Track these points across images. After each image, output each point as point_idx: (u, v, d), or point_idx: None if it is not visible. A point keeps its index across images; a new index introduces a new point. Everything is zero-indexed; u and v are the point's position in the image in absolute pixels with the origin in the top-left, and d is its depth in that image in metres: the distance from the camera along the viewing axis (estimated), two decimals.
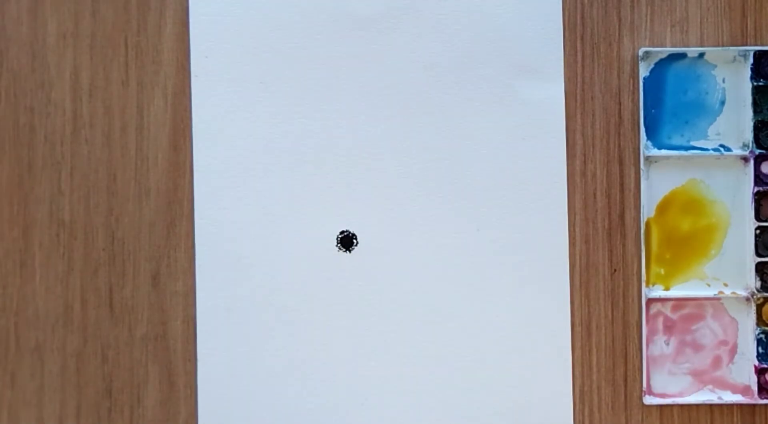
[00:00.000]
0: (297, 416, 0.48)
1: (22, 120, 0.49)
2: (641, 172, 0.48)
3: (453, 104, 0.48)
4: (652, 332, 0.49)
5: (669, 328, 0.49)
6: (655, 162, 0.49)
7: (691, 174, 0.49)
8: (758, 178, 0.48)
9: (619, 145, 0.49)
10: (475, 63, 0.49)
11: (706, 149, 0.49)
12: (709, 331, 0.49)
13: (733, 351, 0.49)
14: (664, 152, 0.49)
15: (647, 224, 0.49)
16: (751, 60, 0.48)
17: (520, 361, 0.48)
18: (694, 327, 0.49)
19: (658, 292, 0.49)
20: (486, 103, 0.48)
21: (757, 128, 0.48)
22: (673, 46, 0.49)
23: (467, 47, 0.49)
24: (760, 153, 0.48)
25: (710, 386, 0.49)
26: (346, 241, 0.48)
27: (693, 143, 0.49)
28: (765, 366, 0.48)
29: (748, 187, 0.48)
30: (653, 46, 0.49)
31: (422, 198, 0.48)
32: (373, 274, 0.48)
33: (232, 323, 0.48)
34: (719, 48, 0.48)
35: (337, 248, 0.48)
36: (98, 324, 0.49)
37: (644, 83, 0.49)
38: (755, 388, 0.48)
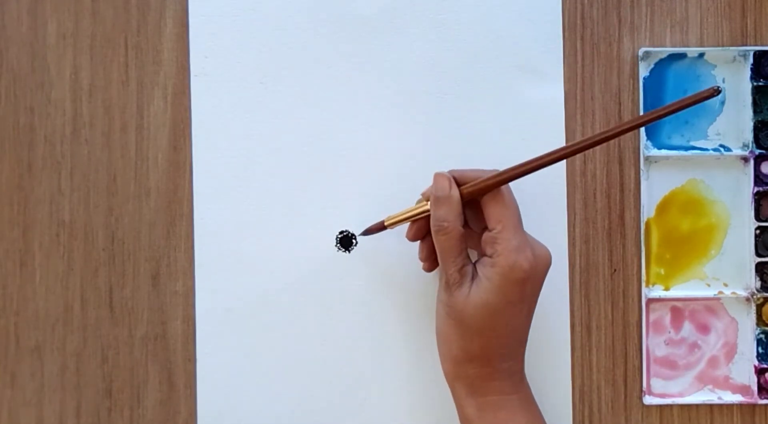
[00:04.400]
0: (296, 415, 0.48)
1: (22, 120, 0.49)
2: (641, 172, 0.48)
3: (453, 104, 0.48)
4: (651, 332, 0.49)
5: (669, 328, 0.49)
6: (655, 162, 0.49)
7: (691, 174, 0.49)
8: (758, 178, 0.48)
9: (619, 145, 0.49)
10: (475, 63, 0.49)
11: (706, 149, 0.49)
12: (708, 331, 0.49)
13: (733, 351, 0.49)
14: (664, 152, 0.49)
15: (647, 224, 0.49)
16: (751, 60, 0.48)
17: None
18: (693, 327, 0.49)
19: (658, 292, 0.49)
20: (486, 103, 0.48)
21: (757, 128, 0.48)
22: (673, 46, 0.49)
23: (467, 47, 0.49)
24: (760, 153, 0.48)
25: (710, 386, 0.49)
26: (346, 241, 0.48)
27: (693, 143, 0.49)
28: (765, 366, 0.48)
29: (748, 187, 0.48)
30: (653, 46, 0.49)
31: None
32: (373, 274, 0.48)
33: (232, 323, 0.48)
34: (719, 48, 0.48)
35: (336, 248, 0.48)
36: (98, 324, 0.49)
37: (644, 83, 0.49)
38: (755, 388, 0.48)
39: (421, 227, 0.45)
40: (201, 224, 0.49)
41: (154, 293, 0.49)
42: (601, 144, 0.41)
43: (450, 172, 0.43)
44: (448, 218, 0.42)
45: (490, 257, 0.41)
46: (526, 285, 0.41)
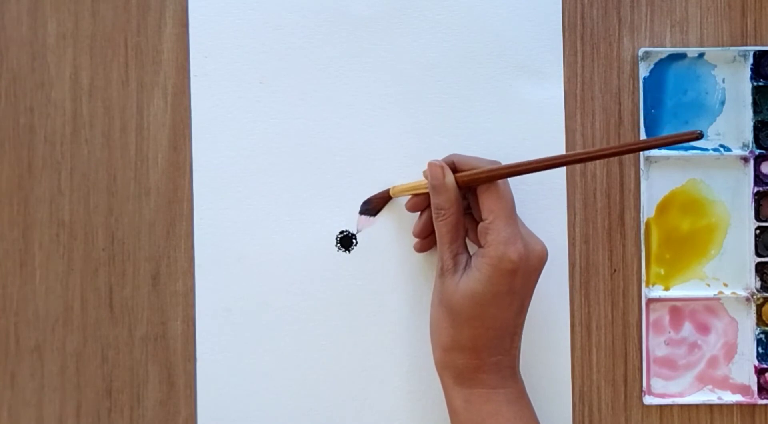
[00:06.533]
0: (296, 415, 0.48)
1: (22, 120, 0.49)
2: (641, 172, 0.48)
3: (453, 104, 0.48)
4: (652, 332, 0.49)
5: (669, 328, 0.49)
6: (655, 162, 0.49)
7: (691, 174, 0.49)
8: (758, 178, 0.48)
9: None
10: (475, 63, 0.49)
11: (706, 149, 0.49)
12: (708, 331, 0.49)
13: (733, 351, 0.49)
14: (664, 152, 0.49)
15: (647, 224, 0.49)
16: (751, 60, 0.48)
17: (520, 361, 0.48)
18: (693, 327, 0.49)
19: (658, 292, 0.49)
20: (486, 103, 0.48)
21: (757, 128, 0.48)
22: (673, 46, 0.49)
23: (467, 47, 0.49)
24: (759, 153, 0.48)
25: (710, 386, 0.49)
26: (346, 241, 0.48)
27: (693, 143, 0.49)
28: (765, 366, 0.48)
29: (748, 187, 0.48)
30: (653, 46, 0.49)
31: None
32: (373, 274, 0.48)
33: (232, 323, 0.48)
34: (719, 48, 0.48)
35: (336, 248, 0.48)
36: (98, 324, 0.49)
37: (644, 83, 0.49)
38: (755, 388, 0.48)
39: (419, 202, 0.46)
40: (201, 224, 0.49)
41: (154, 293, 0.49)
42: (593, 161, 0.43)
43: (452, 156, 0.45)
44: (444, 205, 0.43)
45: (483, 247, 0.42)
46: (516, 277, 0.41)
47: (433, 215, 0.43)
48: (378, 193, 0.48)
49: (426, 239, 0.47)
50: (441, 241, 0.43)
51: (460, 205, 0.43)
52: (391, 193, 0.47)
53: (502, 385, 0.42)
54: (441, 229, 0.43)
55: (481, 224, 0.42)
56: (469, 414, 0.42)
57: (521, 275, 0.41)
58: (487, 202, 0.42)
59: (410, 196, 0.46)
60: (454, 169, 0.43)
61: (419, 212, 0.47)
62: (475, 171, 0.42)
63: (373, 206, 0.48)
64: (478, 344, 0.42)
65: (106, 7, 0.49)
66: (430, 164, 0.44)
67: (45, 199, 0.49)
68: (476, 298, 0.41)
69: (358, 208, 0.48)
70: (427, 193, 0.44)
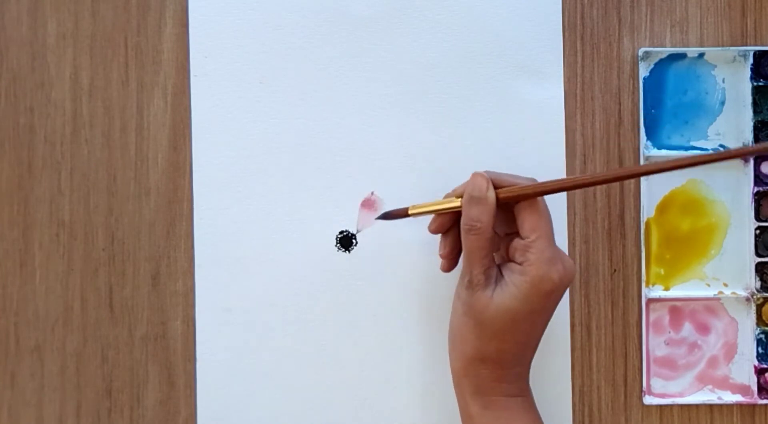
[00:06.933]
0: (296, 415, 0.48)
1: (22, 120, 0.49)
2: None
3: (453, 104, 0.48)
4: (652, 332, 0.49)
5: (668, 328, 0.49)
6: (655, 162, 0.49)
7: (691, 174, 0.49)
8: (758, 178, 0.48)
9: (619, 145, 0.49)
10: (475, 63, 0.49)
11: (706, 149, 0.49)
12: (708, 331, 0.49)
13: (733, 351, 0.49)
14: (664, 152, 0.49)
15: (647, 224, 0.49)
16: (750, 60, 0.48)
17: None
18: (693, 327, 0.49)
19: (658, 292, 0.49)
20: (486, 103, 0.48)
21: (757, 128, 0.48)
22: (673, 46, 0.49)
23: (467, 47, 0.49)
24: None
25: (710, 386, 0.49)
26: (346, 241, 0.48)
27: (693, 143, 0.49)
28: (765, 366, 0.48)
29: (748, 187, 0.48)
30: (653, 46, 0.49)
31: (422, 198, 0.48)
32: (372, 274, 0.48)
33: (232, 323, 0.48)
34: (719, 48, 0.48)
35: (336, 248, 0.48)
36: (98, 324, 0.49)
37: (644, 83, 0.49)
38: (755, 388, 0.48)
39: (445, 222, 0.44)
40: (201, 224, 0.49)
41: (154, 293, 0.49)
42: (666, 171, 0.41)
43: (486, 172, 0.43)
44: (482, 218, 0.41)
45: (520, 264, 0.41)
46: (552, 296, 0.41)
47: (465, 229, 0.42)
48: (397, 210, 0.46)
49: (454, 259, 0.45)
50: (472, 255, 0.41)
51: (494, 220, 0.42)
52: (410, 212, 0.45)
53: (518, 393, 0.43)
54: (473, 243, 0.41)
55: (519, 241, 0.41)
56: (486, 420, 0.42)
57: (556, 294, 0.41)
58: (529, 221, 0.41)
59: (432, 216, 0.45)
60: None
61: (441, 233, 0.45)
62: (520, 187, 0.41)
63: (389, 217, 0.47)
64: (504, 357, 0.42)
65: (106, 7, 0.49)
66: (475, 175, 0.42)
67: (45, 199, 0.49)
68: (511, 314, 0.41)
69: (358, 209, 0.48)
70: (452, 214, 0.43)
